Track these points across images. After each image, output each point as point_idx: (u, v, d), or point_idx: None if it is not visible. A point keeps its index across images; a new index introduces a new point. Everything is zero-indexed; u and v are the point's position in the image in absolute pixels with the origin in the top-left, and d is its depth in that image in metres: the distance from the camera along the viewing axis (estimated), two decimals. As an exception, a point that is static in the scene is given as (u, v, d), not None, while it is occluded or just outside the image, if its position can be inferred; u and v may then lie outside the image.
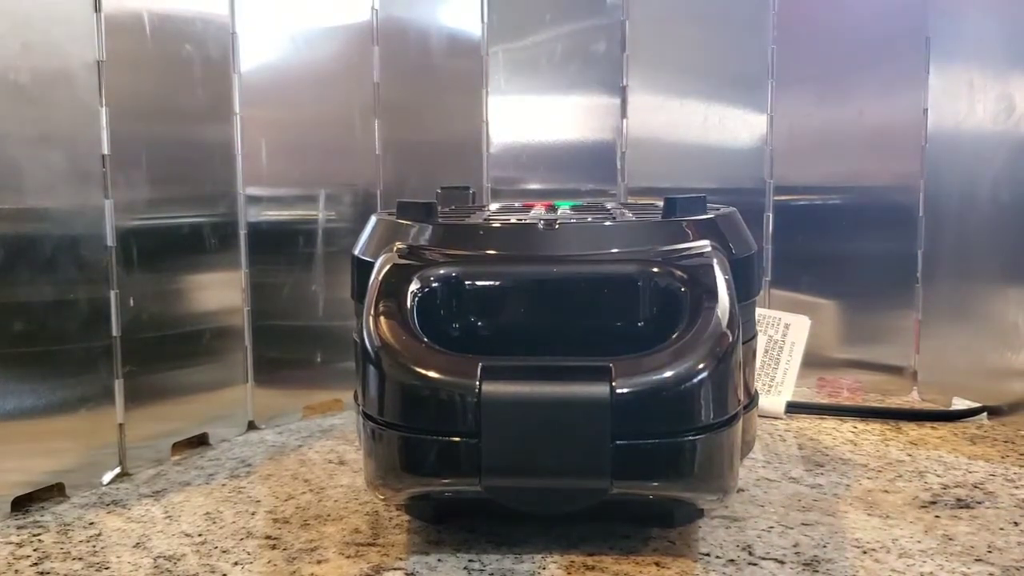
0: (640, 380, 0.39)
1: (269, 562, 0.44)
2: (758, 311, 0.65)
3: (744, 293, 0.47)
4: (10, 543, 0.47)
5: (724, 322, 0.41)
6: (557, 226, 0.46)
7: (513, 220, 0.48)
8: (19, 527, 0.49)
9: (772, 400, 0.67)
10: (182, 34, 0.59)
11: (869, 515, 0.49)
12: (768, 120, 0.77)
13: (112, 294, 0.55)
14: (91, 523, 0.50)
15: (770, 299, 0.77)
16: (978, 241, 0.68)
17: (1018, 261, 0.65)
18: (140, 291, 0.57)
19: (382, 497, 0.43)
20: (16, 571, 0.44)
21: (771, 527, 0.48)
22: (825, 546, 0.45)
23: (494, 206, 0.59)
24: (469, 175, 0.79)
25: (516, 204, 0.61)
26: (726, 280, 0.43)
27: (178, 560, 0.45)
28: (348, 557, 0.45)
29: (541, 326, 0.45)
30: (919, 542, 0.46)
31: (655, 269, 0.44)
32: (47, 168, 0.52)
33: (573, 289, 0.44)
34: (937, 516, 0.49)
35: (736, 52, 0.78)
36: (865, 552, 0.45)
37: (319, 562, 0.44)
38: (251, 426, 0.66)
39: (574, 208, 0.56)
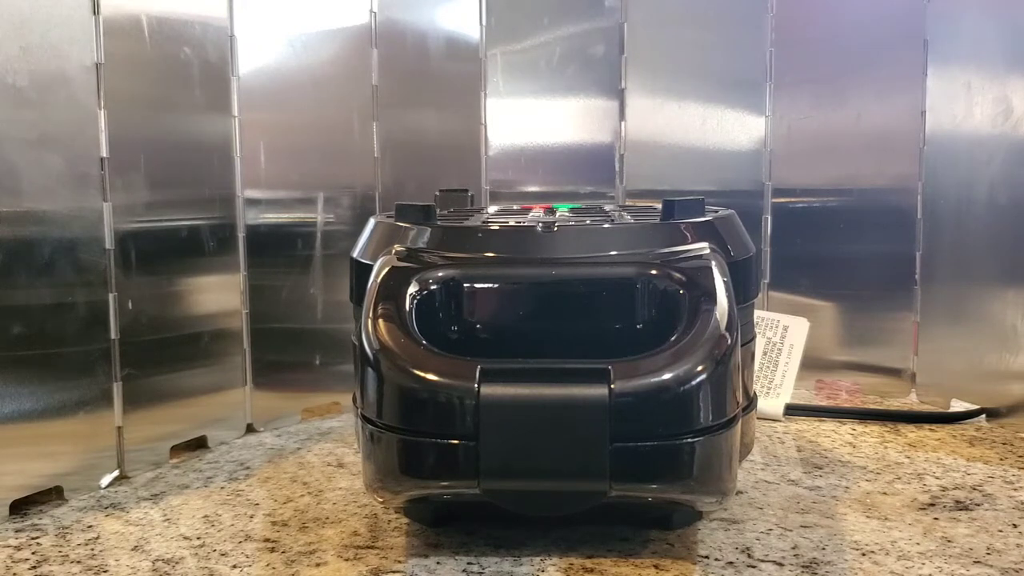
0: (639, 382, 0.39)
1: (268, 565, 0.44)
2: (756, 313, 0.65)
3: (742, 295, 0.47)
4: (8, 546, 0.47)
5: (723, 324, 0.41)
6: (556, 228, 0.46)
7: (512, 223, 0.48)
8: (17, 530, 0.49)
9: (771, 402, 0.67)
10: (180, 37, 0.59)
11: (868, 517, 0.49)
12: (766, 122, 0.77)
13: (111, 297, 0.55)
14: (89, 526, 0.50)
15: (768, 301, 0.77)
16: (976, 243, 0.68)
17: (1016, 263, 0.65)
18: (138, 294, 0.57)
19: (381, 500, 0.43)
20: (14, 574, 0.44)
21: (770, 529, 0.48)
22: (824, 548, 0.45)
23: (492, 208, 0.59)
24: (468, 178, 0.79)
25: (515, 207, 0.61)
26: (724, 282, 0.43)
27: (177, 563, 0.45)
28: (347, 560, 0.45)
29: (540, 328, 0.45)
30: (918, 544, 0.46)
31: (653, 271, 0.44)
32: (45, 171, 0.52)
33: (572, 291, 0.44)
34: (936, 518, 0.49)
35: (734, 55, 0.78)
36: (864, 554, 0.45)
37: (318, 565, 0.44)
38: (249, 429, 0.66)
39: (573, 210, 0.56)
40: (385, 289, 0.44)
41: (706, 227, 0.47)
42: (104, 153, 0.55)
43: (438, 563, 0.44)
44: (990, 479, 0.55)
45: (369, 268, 0.46)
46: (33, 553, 0.46)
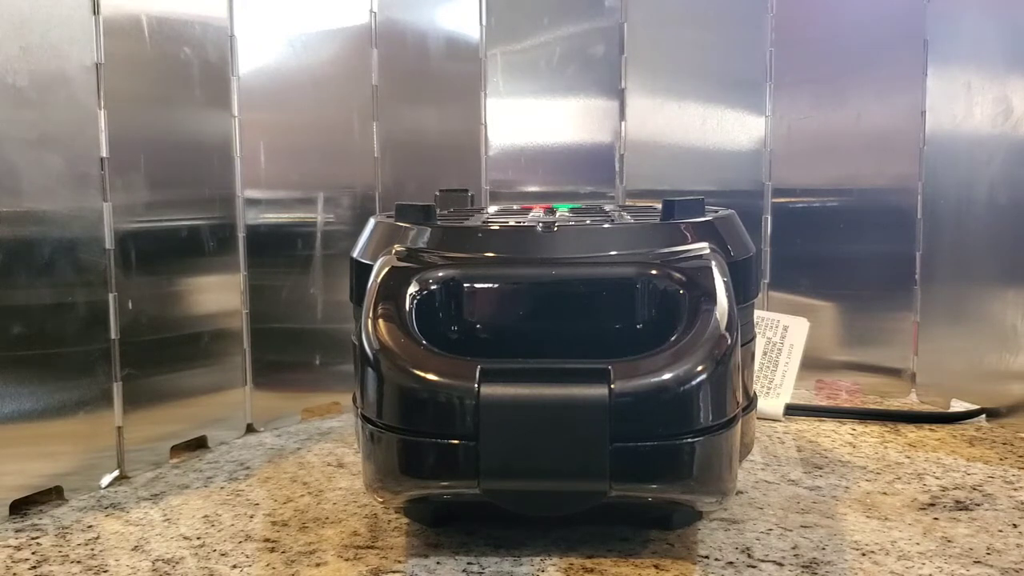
0: (639, 382, 0.39)
1: (268, 565, 0.44)
2: (756, 313, 0.65)
3: (742, 295, 0.47)
4: (8, 546, 0.47)
5: (723, 324, 0.41)
6: (556, 228, 0.46)
7: (512, 223, 0.48)
8: (17, 530, 0.49)
9: (771, 402, 0.67)
10: (181, 37, 0.59)
11: (868, 517, 0.49)
12: (766, 122, 0.77)
13: (111, 297, 0.55)
14: (89, 526, 0.50)
15: (768, 301, 0.77)
16: (976, 243, 0.68)
17: (1016, 263, 0.65)
18: (138, 294, 0.57)
19: (381, 500, 0.43)
20: (14, 574, 0.44)
21: (770, 529, 0.48)
22: (824, 548, 0.45)
23: (492, 208, 0.59)
24: (468, 178, 0.79)
25: (515, 207, 0.61)
26: (724, 282, 0.43)
27: (177, 563, 0.45)
28: (347, 560, 0.45)
29: (540, 328, 0.45)
30: (918, 544, 0.46)
31: (653, 271, 0.44)
32: (45, 171, 0.52)
33: (572, 291, 0.44)
34: (936, 518, 0.49)
35: (734, 55, 0.78)
36: (864, 554, 0.45)
37: (318, 565, 0.44)
38: (250, 429, 0.66)
39: (573, 210, 0.56)
40: (385, 289, 0.44)
41: (706, 227, 0.47)
42: (104, 153, 0.55)
43: (438, 563, 0.44)
44: (990, 479, 0.55)
45: (369, 268, 0.46)
46: (33, 553, 0.46)
